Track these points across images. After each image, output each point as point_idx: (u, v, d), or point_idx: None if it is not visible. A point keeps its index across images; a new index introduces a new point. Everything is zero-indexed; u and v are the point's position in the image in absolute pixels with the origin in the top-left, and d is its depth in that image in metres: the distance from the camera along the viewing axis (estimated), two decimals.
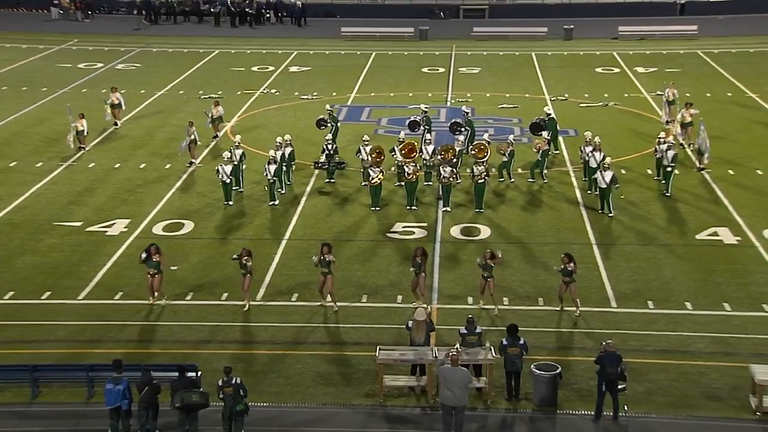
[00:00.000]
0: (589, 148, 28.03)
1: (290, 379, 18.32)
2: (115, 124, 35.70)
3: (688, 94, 37.78)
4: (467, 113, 31.79)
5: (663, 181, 28.10)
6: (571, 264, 20.28)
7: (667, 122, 34.36)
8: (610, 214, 26.24)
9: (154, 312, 21.07)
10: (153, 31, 56.61)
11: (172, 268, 21.61)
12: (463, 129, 31.03)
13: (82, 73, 45.21)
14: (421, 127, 31.64)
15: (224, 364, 17.35)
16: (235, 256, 21.21)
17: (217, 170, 27.43)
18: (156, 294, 21.33)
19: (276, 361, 18.96)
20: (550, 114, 31.60)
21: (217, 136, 33.51)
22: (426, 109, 32.47)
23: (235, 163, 27.96)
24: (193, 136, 30.58)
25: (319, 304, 21.10)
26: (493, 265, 20.57)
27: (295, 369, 18.65)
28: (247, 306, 21.07)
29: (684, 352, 19.18)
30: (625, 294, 21.76)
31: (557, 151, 31.66)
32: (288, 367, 18.70)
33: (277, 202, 27.33)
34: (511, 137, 29.49)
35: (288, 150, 28.77)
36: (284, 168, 28.30)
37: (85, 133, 32.66)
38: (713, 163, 29.89)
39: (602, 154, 27.32)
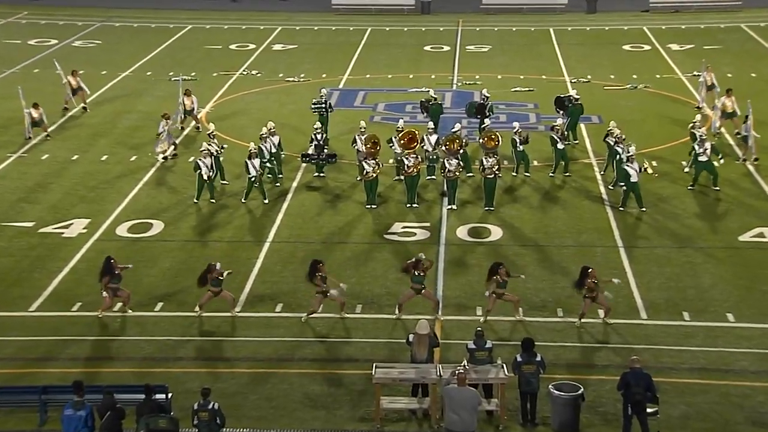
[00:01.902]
0: (612, 140, 28.10)
1: (274, 401, 18.33)
2: (84, 109, 35.77)
3: (729, 75, 37.86)
4: (488, 97, 31.84)
5: (692, 172, 28.16)
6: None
7: (697, 107, 34.46)
8: (642, 209, 26.33)
9: (117, 325, 21.06)
10: (115, 3, 56.52)
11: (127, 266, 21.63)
12: (488, 113, 31.09)
13: (34, 51, 45.20)
14: (425, 115, 31.74)
15: (199, 384, 17.37)
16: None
17: (197, 164, 27.35)
18: (121, 305, 21.40)
19: (258, 380, 18.96)
20: (577, 99, 31.66)
21: (198, 127, 33.50)
22: (435, 96, 32.52)
23: (216, 154, 27.97)
24: (165, 129, 30.54)
25: (302, 320, 21.13)
26: (506, 280, 20.64)
27: (280, 389, 18.66)
28: (234, 313, 21.24)
29: (725, 371, 19.20)
30: (657, 304, 21.79)
31: (576, 141, 31.74)
32: (272, 388, 18.71)
33: (266, 200, 27.32)
34: (516, 125, 29.47)
35: (276, 139, 28.79)
36: (273, 161, 28.36)
37: (44, 120, 32.74)
38: (759, 153, 29.89)
39: (624, 146, 27.35)
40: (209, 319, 21.21)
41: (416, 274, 20.82)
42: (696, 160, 27.89)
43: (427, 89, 34.99)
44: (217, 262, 21.32)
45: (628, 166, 26.36)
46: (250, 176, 27.07)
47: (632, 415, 16.81)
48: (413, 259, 21.16)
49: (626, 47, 45.67)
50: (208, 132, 29.35)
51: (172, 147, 30.99)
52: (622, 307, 21.52)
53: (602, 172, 29.15)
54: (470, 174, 28.65)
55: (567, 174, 29.04)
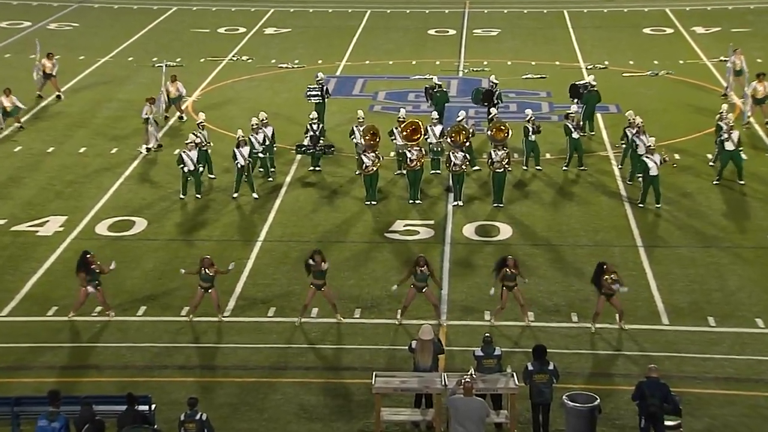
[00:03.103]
0: (632, 131, 28.06)
1: (266, 412, 18.36)
2: (58, 96, 35.85)
3: (759, 60, 37.86)
4: (496, 84, 31.83)
5: (717, 166, 28.18)
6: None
7: (724, 95, 34.51)
8: (657, 206, 26.34)
9: (97, 331, 21.08)
10: None
11: (111, 267, 21.60)
12: (496, 101, 31.10)
13: (5, 34, 45.22)
14: (429, 104, 31.77)
15: (185, 394, 17.38)
16: (183, 270, 21.52)
17: (180, 157, 27.37)
18: (101, 308, 21.42)
19: (249, 390, 18.99)
20: (593, 85, 31.61)
21: (182, 117, 33.54)
22: (440, 83, 32.54)
23: (204, 147, 28.00)
24: (149, 117, 30.52)
25: (296, 323, 21.16)
26: (516, 273, 20.68)
27: (272, 400, 18.69)
28: (221, 317, 21.28)
29: (755, 381, 19.19)
30: (680, 308, 21.81)
31: (592, 132, 31.73)
32: (264, 398, 18.74)
33: (256, 196, 27.34)
34: (529, 112, 29.46)
35: (268, 130, 28.79)
36: (266, 153, 28.40)
37: (19, 105, 32.77)
38: None
39: (648, 137, 27.35)
40: (196, 325, 21.23)
41: (418, 272, 20.82)
42: (722, 148, 27.85)
43: (430, 76, 34.98)
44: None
45: (647, 157, 26.35)
46: (238, 164, 27.03)
47: (648, 428, 16.82)
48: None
49: (647, 30, 45.67)
50: (198, 122, 29.23)
51: (155, 138, 30.96)
52: (642, 312, 21.55)
53: (620, 166, 29.17)
54: (476, 168, 28.65)
55: (581, 167, 29.05)
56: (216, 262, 21.54)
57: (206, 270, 21.05)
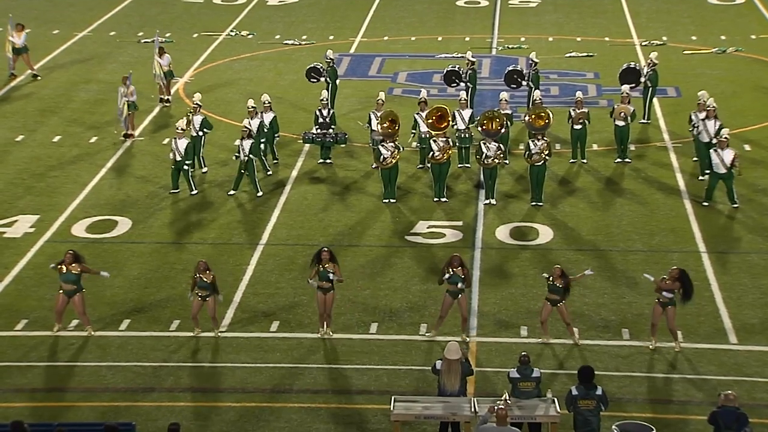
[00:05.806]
0: (701, 115, 27.97)
1: None
2: (35, 76, 36.05)
3: None
4: (536, 63, 31.79)
5: None
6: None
7: None
8: (735, 205, 26.33)
9: (73, 346, 21.17)
10: None
11: (102, 274, 21.68)
12: (524, 82, 31.09)
13: None
14: (461, 83, 31.69)
15: (174, 421, 17.45)
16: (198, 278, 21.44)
17: (173, 147, 27.46)
18: (80, 321, 21.50)
19: (248, 416, 19.04)
20: (655, 64, 31.40)
21: (168, 100, 33.60)
22: (474, 60, 32.54)
23: (194, 134, 28.11)
24: (130, 98, 30.61)
25: (320, 335, 21.21)
26: (560, 286, 20.65)
27: (275, 428, 18.72)
28: (217, 333, 21.33)
29: None
30: (750, 324, 21.76)
31: (648, 120, 31.62)
32: (265, 426, 18.78)
33: (260, 193, 27.44)
34: (579, 94, 29.42)
35: (269, 117, 28.87)
36: (263, 142, 28.48)
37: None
38: None
39: (718, 124, 27.29)
40: (188, 341, 21.29)
41: (452, 272, 20.84)
42: None
43: (459, 55, 34.93)
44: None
45: (715, 152, 26.21)
46: (239, 158, 27.13)
47: None
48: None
49: (712, 0, 45.53)
50: (195, 102, 29.17)
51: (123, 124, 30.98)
52: (706, 329, 21.51)
53: (694, 159, 28.84)
54: (506, 162, 28.57)
55: (626, 160, 28.99)
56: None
57: (201, 276, 21.08)
